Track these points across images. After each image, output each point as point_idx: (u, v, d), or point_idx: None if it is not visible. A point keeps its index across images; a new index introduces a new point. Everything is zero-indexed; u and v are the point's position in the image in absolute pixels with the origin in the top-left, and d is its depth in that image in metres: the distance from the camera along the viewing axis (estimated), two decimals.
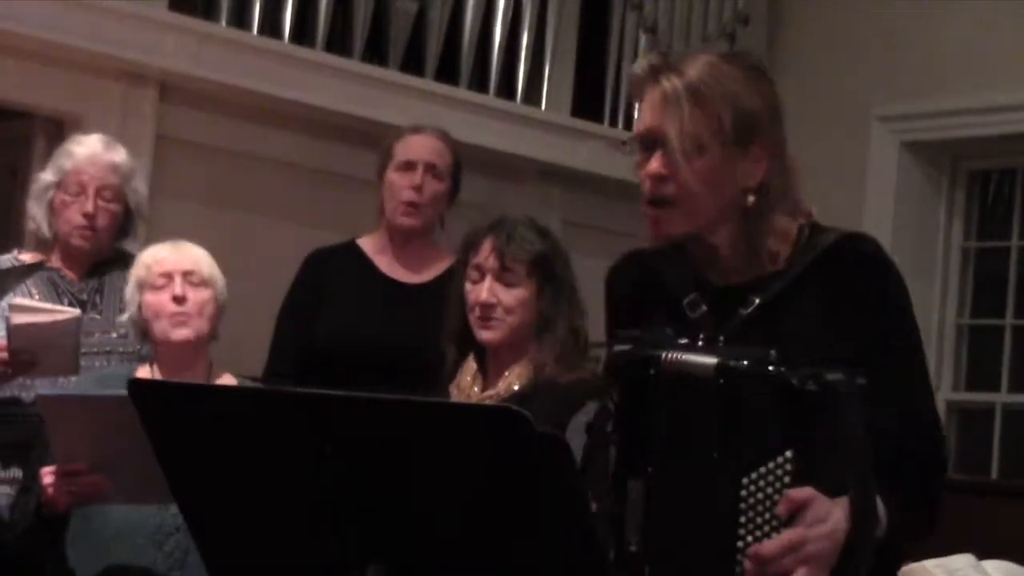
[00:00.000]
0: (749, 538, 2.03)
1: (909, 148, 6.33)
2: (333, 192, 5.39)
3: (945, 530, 2.27)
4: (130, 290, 3.30)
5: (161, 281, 3.25)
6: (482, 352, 3.10)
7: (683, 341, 2.14)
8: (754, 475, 2.03)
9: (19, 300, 3.46)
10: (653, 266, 2.31)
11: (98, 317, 3.61)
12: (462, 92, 5.80)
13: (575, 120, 6.18)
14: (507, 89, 5.99)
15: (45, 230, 3.67)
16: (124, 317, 3.36)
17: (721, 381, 2.04)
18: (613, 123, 6.31)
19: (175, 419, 2.02)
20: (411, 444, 1.89)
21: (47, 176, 3.68)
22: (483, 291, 3.05)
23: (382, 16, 5.63)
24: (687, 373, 2.07)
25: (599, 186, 6.17)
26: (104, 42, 4.93)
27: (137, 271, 3.30)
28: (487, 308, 3.04)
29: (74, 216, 3.62)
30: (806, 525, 2.00)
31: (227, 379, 3.30)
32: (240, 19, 5.31)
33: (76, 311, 3.42)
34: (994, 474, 6.19)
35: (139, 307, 3.26)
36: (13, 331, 3.31)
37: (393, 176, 3.76)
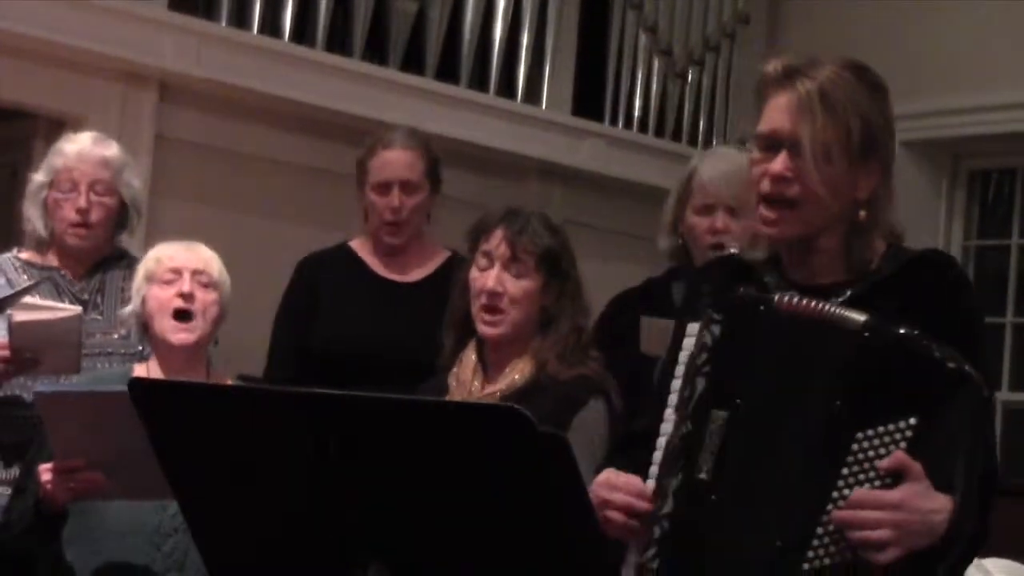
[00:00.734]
0: (846, 491, 2.05)
1: (909, 147, 6.33)
2: (333, 191, 5.38)
3: None
4: (137, 282, 3.28)
5: (169, 276, 3.24)
6: (482, 343, 3.10)
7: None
8: (870, 431, 2.06)
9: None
10: (750, 266, 2.35)
11: (99, 318, 3.61)
12: (462, 91, 5.80)
13: (575, 119, 6.18)
14: (507, 88, 6.00)
15: (41, 230, 3.66)
16: (127, 309, 3.35)
17: (866, 335, 2.08)
18: (613, 122, 6.32)
19: (176, 419, 2.02)
20: (412, 443, 1.89)
21: (40, 177, 3.68)
22: (491, 279, 3.04)
23: (382, 15, 5.63)
24: (827, 322, 2.11)
25: (599, 185, 6.17)
26: (104, 42, 4.93)
27: (147, 264, 3.28)
28: (493, 296, 3.03)
29: (68, 213, 3.61)
30: (911, 494, 2.03)
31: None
32: (240, 19, 5.31)
33: (78, 308, 3.41)
34: None
35: (143, 300, 3.25)
36: (14, 329, 3.30)
37: (371, 196, 3.77)
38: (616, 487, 2.21)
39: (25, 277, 3.61)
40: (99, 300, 3.64)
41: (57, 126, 5.01)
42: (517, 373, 3.03)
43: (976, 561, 3.00)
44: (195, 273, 3.24)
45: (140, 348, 3.47)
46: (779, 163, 2.21)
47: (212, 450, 2.01)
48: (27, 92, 4.94)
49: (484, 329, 3.05)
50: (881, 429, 2.05)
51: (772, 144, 2.23)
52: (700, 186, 3.46)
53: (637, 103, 6.39)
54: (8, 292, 3.47)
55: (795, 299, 2.16)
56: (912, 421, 2.04)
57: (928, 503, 2.04)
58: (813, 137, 2.18)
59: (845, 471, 2.06)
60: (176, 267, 3.24)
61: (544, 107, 6.10)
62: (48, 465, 2.98)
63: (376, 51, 5.65)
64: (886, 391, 2.06)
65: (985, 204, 6.58)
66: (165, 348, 3.23)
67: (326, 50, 5.46)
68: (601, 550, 1.98)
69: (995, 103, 6.11)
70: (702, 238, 3.43)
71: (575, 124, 6.16)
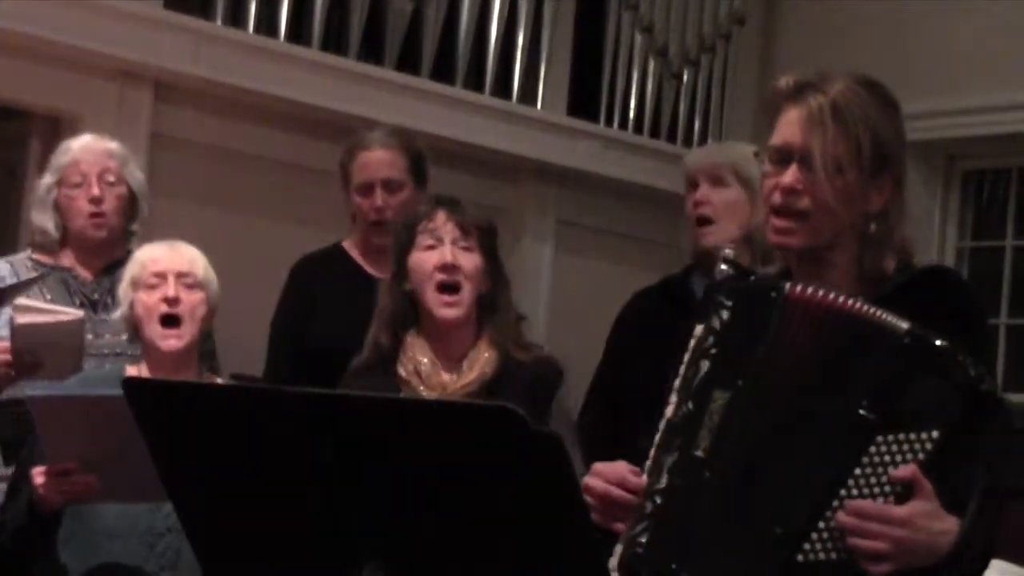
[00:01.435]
0: (855, 491, 2.06)
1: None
2: (329, 191, 5.37)
3: None
4: (123, 287, 3.29)
5: (154, 280, 3.24)
6: (428, 334, 3.05)
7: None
8: (891, 437, 2.06)
9: (23, 300, 3.43)
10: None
11: (108, 319, 3.61)
12: (458, 91, 5.80)
13: (571, 119, 6.18)
14: (503, 88, 5.99)
15: (53, 232, 3.68)
16: (116, 314, 3.36)
17: (906, 341, 2.09)
18: (609, 122, 6.32)
19: (171, 418, 2.02)
20: (407, 443, 1.89)
21: (47, 178, 3.71)
22: (447, 252, 3.01)
23: (378, 15, 5.63)
24: (868, 322, 2.12)
25: (595, 185, 6.17)
26: (100, 41, 4.93)
27: (132, 268, 3.29)
28: (452, 271, 3.00)
29: (82, 205, 3.64)
30: (918, 513, 2.04)
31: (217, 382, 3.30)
32: (236, 18, 5.31)
33: (80, 312, 3.41)
34: None
35: (131, 305, 3.26)
36: (17, 331, 3.30)
37: (355, 197, 3.80)
38: (604, 472, 2.23)
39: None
40: (109, 301, 3.65)
41: (53, 125, 5.01)
42: (484, 363, 3.01)
43: None
44: (179, 276, 3.24)
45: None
46: (790, 175, 2.24)
47: (209, 450, 2.01)
48: (23, 90, 4.94)
49: (444, 312, 3.00)
50: (902, 436, 2.06)
51: (784, 157, 2.26)
52: (685, 170, 3.68)
53: (633, 104, 6.39)
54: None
55: (809, 289, 2.18)
56: (935, 434, 2.05)
57: (934, 524, 2.05)
58: (824, 150, 2.21)
59: (858, 471, 2.07)
60: (160, 271, 3.24)
61: (540, 107, 6.09)
62: (41, 468, 2.98)
63: (372, 51, 5.65)
64: (915, 400, 2.07)
65: (979, 206, 6.59)
66: (155, 352, 3.23)
67: (322, 49, 5.46)
68: (596, 549, 1.99)
69: (990, 104, 6.11)
70: (690, 214, 3.58)
71: (571, 124, 6.15)
